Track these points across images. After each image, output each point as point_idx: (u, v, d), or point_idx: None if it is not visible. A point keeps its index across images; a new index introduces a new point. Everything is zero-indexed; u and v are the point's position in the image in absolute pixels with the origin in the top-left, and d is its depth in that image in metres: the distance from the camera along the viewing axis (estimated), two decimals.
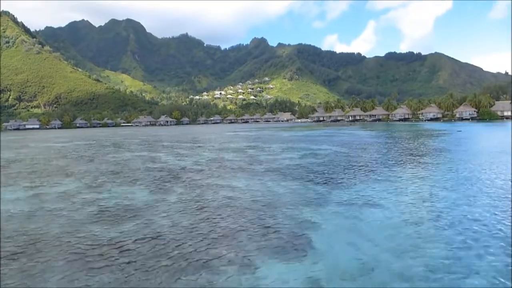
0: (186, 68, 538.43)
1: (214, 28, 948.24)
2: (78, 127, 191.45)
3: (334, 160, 20.94)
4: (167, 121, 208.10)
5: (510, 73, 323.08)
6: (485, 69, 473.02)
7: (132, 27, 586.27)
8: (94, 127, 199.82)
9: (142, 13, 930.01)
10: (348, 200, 11.06)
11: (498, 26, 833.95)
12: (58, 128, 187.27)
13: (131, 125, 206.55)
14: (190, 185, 14.19)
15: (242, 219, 9.18)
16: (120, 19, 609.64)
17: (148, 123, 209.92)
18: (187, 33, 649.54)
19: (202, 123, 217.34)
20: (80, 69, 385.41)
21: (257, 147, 32.38)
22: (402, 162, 19.25)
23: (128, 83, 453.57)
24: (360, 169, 17.06)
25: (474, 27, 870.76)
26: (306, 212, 9.69)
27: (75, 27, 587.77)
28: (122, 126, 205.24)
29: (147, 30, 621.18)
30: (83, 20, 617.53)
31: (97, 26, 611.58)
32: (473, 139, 38.06)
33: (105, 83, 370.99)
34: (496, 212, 9.30)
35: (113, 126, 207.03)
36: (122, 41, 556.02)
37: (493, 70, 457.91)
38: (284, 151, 27.29)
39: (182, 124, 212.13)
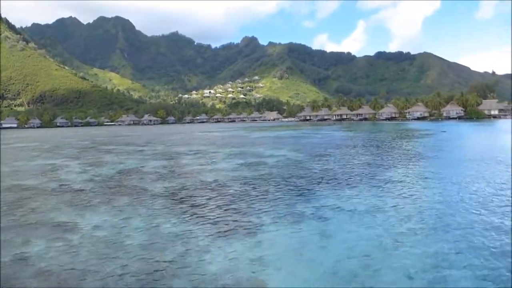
0: (176, 66, 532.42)
1: (204, 26, 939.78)
2: (59, 126, 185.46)
3: (273, 174, 17.34)
4: (150, 120, 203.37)
5: (497, 73, 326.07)
6: (472, 68, 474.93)
7: (121, 24, 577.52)
8: (76, 126, 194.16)
9: (132, 10, 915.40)
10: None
11: (484, 26, 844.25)
12: (37, 127, 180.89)
13: (114, 124, 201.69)
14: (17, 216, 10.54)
15: None
16: (109, 16, 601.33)
17: (132, 122, 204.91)
18: (177, 31, 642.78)
19: (188, 122, 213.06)
20: (66, 67, 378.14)
21: (205, 152, 28.78)
22: (356, 180, 15.59)
23: (117, 81, 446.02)
24: (291, 191, 13.47)
25: (462, 27, 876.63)
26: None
27: (62, 24, 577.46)
28: (105, 125, 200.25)
29: (137, 28, 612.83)
30: (70, 17, 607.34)
31: (85, 23, 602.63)
32: (456, 141, 34.87)
33: (92, 81, 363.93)
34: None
35: (95, 125, 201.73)
36: (111, 38, 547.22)
37: (481, 69, 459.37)
38: (228, 158, 23.75)
39: (168, 123, 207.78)
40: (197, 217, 9.87)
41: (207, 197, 12.16)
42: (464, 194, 11.96)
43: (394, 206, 10.50)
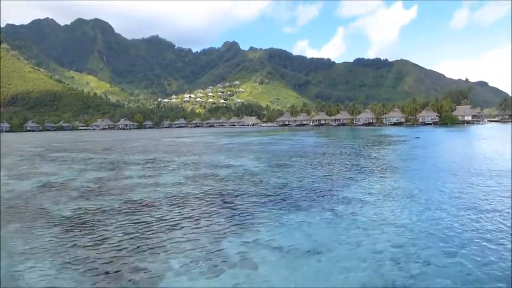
0: (156, 70, 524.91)
1: (185, 30, 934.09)
2: (29, 131, 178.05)
3: (217, 191, 15.08)
4: (126, 125, 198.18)
5: (470, 80, 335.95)
6: (447, 76, 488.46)
7: (100, 27, 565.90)
8: (48, 130, 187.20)
9: (111, 13, 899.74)
10: None
11: (458, 35, 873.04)
12: (6, 131, 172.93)
13: (89, 129, 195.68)
14: None
15: None
16: (88, 18, 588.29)
17: (107, 126, 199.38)
18: (157, 35, 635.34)
19: (167, 127, 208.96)
20: (42, 69, 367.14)
21: (159, 161, 26.24)
22: (309, 200, 13.39)
23: (94, 84, 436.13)
24: (227, 218, 11.21)
25: (437, 35, 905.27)
26: None
27: (39, 25, 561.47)
28: (80, 129, 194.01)
29: (116, 31, 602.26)
30: (47, 18, 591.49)
31: (62, 25, 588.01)
32: (429, 149, 33.40)
33: (68, 84, 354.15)
34: None
35: (69, 129, 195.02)
36: (89, 41, 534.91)
37: (455, 77, 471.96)
38: (178, 169, 21.31)
39: (145, 127, 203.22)
40: (72, 259, 7.53)
41: (112, 226, 9.79)
42: (435, 218, 10.01)
43: (346, 244, 8.34)
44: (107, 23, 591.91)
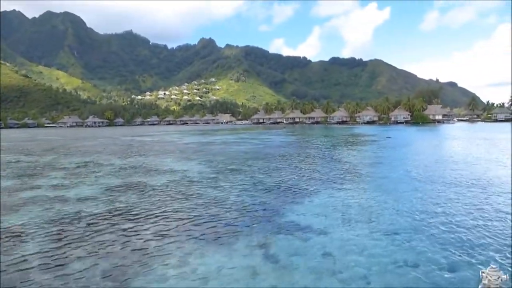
0: (130, 66, 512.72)
1: (160, 26, 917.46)
2: None
3: (132, 209, 12.12)
4: (95, 122, 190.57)
5: (440, 80, 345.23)
6: (419, 76, 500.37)
7: (71, 20, 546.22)
8: (11, 127, 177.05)
9: (82, 7, 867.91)
10: None
11: (428, 36, 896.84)
12: None
13: (55, 126, 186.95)
14: None
15: None
16: (57, 11, 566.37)
17: (74, 124, 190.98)
18: (131, 30, 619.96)
19: (138, 125, 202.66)
20: (8, 63, 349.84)
21: (95, 164, 22.85)
22: (245, 224, 10.51)
23: (64, 80, 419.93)
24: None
25: (409, 36, 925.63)
26: None
27: (5, 18, 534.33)
28: (46, 127, 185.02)
29: (88, 25, 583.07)
30: (14, 10, 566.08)
31: (30, 17, 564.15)
32: (399, 151, 31.25)
33: (35, 80, 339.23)
34: None
35: (34, 127, 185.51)
36: (59, 35, 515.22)
37: (426, 77, 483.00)
38: (110, 174, 18.10)
39: (116, 125, 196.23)
40: None
41: None
42: (396, 261, 7.37)
43: None
44: (78, 17, 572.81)
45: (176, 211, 10.84)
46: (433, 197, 12.46)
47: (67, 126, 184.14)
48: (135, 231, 9.00)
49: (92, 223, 9.68)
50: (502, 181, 15.34)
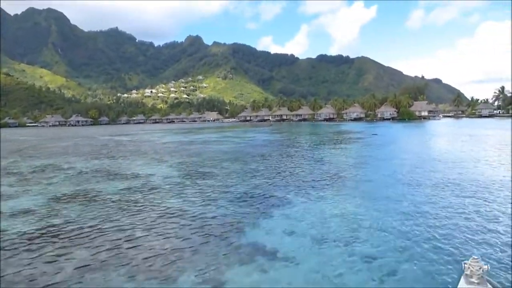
0: (116, 64, 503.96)
1: (147, 23, 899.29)
2: None
3: (68, 222, 10.41)
4: (78, 121, 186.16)
5: (425, 77, 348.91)
6: (404, 73, 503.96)
7: (54, 17, 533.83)
8: None
9: (66, 3, 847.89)
10: None
11: (414, 34, 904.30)
12: None
13: (37, 126, 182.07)
14: None
15: None
16: (40, 8, 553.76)
17: (57, 123, 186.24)
18: (117, 27, 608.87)
19: (124, 123, 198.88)
20: None
21: (58, 167, 20.94)
22: (205, 245, 9.02)
23: (48, 78, 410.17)
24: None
25: (395, 34, 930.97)
26: None
27: None
28: (28, 126, 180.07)
29: (72, 22, 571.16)
30: None
31: (12, 14, 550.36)
32: (385, 149, 30.02)
33: (18, 78, 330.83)
34: None
35: (15, 126, 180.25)
36: (42, 32, 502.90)
37: (412, 74, 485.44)
38: (68, 180, 16.33)
39: (100, 124, 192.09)
40: None
41: None
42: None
43: None
44: (62, 13, 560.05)
45: (119, 229, 9.15)
46: (422, 203, 11.01)
47: (49, 126, 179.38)
48: (58, 256, 7.29)
49: (14, 244, 7.94)
50: (491, 181, 14.03)
